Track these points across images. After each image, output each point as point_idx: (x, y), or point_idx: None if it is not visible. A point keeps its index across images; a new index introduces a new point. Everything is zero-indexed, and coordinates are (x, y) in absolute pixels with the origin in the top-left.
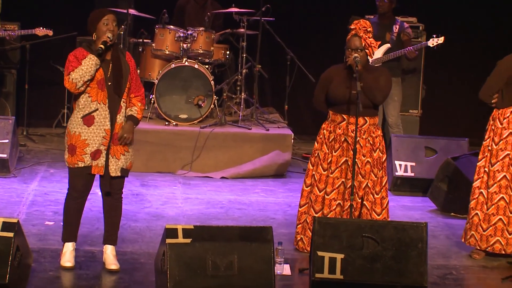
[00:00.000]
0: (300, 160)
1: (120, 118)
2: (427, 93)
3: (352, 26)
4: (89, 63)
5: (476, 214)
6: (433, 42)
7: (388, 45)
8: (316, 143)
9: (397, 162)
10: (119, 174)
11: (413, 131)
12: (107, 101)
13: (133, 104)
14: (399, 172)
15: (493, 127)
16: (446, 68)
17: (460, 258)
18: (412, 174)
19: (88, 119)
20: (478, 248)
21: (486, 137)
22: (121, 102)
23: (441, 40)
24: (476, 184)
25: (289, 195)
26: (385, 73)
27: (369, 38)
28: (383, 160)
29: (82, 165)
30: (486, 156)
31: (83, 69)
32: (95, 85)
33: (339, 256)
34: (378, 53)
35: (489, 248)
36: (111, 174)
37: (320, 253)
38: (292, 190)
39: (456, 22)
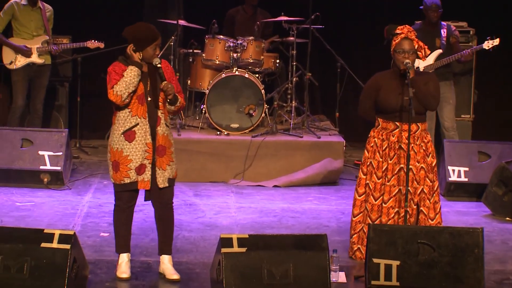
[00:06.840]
0: (352, 167)
1: (160, 129)
2: (479, 98)
3: (399, 31)
4: (131, 74)
5: None
6: (488, 44)
7: (440, 51)
8: (366, 151)
9: (450, 168)
10: (167, 185)
11: (465, 136)
12: (147, 115)
13: None
14: (453, 178)
15: None
16: (497, 72)
17: None
18: (466, 179)
19: (129, 135)
20: None
21: None
22: (159, 113)
23: (496, 42)
24: None
25: (342, 203)
26: (433, 78)
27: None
28: (434, 164)
29: (128, 181)
30: None
31: (126, 80)
32: (136, 99)
33: (394, 263)
34: (430, 59)
35: None
36: (160, 186)
37: (375, 260)
38: (345, 198)
39: (506, 25)
